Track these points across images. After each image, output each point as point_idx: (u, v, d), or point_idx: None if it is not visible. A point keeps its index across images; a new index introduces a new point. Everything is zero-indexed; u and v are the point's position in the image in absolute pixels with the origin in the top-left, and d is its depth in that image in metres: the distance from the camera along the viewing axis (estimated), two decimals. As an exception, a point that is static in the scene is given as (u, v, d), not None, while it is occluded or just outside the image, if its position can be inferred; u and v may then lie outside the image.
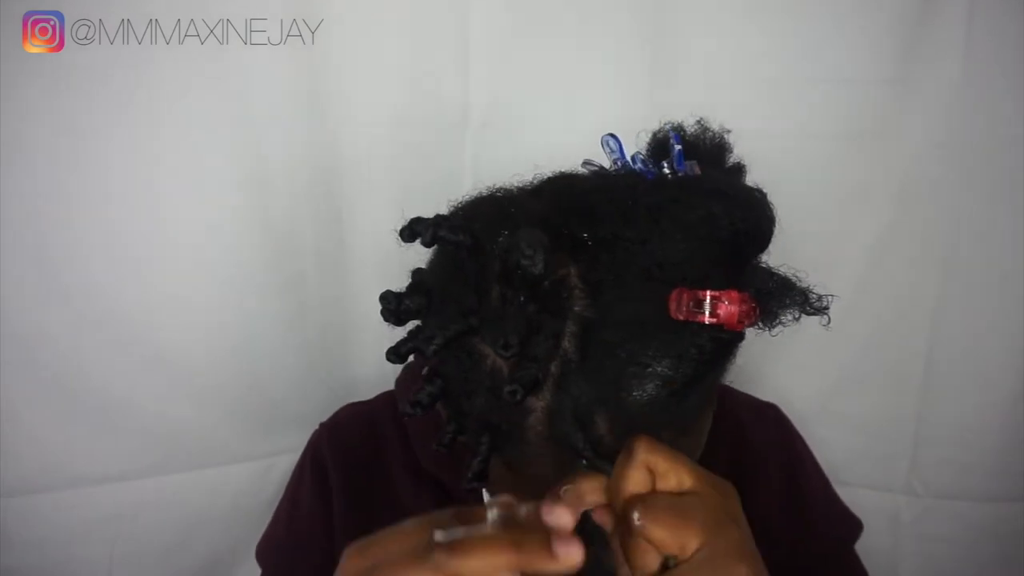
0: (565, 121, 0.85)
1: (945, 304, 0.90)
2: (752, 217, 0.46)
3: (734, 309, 0.41)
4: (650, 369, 0.42)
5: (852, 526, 0.72)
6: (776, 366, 0.94)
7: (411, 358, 0.48)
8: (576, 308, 0.43)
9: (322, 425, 0.74)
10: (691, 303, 0.41)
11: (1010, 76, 0.81)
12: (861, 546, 0.71)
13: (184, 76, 0.76)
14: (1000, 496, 0.93)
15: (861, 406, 0.95)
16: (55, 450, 0.82)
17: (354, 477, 0.68)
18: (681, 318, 0.42)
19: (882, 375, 0.93)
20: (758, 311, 0.44)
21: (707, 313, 0.41)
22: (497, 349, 0.42)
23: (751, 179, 0.81)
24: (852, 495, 0.82)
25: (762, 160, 0.85)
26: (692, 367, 0.43)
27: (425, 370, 0.49)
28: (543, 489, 0.41)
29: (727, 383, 0.74)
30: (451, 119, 0.86)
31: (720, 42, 0.84)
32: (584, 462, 0.42)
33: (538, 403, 0.43)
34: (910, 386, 0.93)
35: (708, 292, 0.41)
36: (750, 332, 0.47)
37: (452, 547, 0.35)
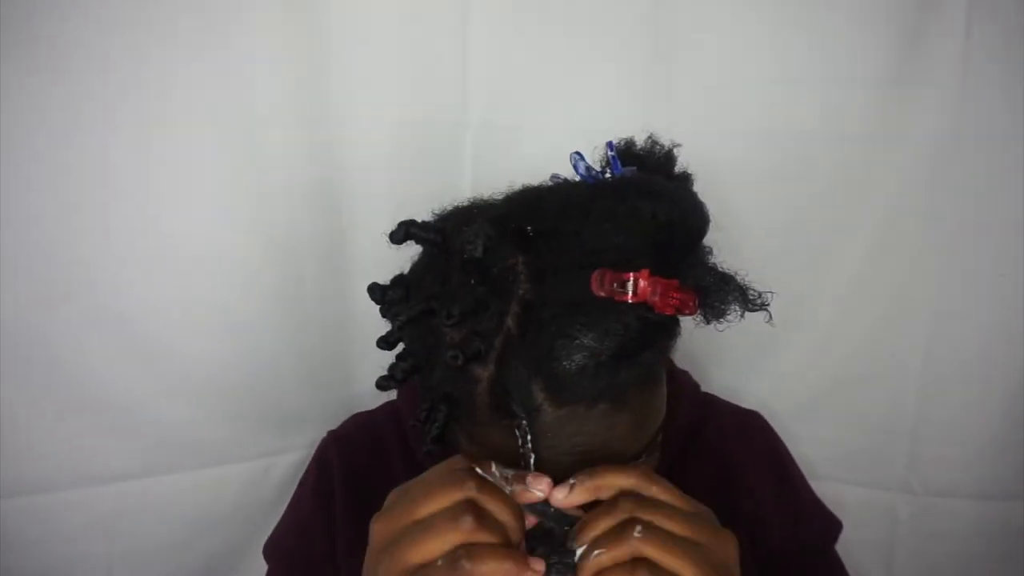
0: (564, 121, 0.86)
1: (943, 303, 0.90)
2: (677, 211, 0.51)
3: (647, 287, 0.46)
4: (577, 341, 0.46)
5: (834, 527, 0.74)
6: (775, 364, 0.94)
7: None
8: (520, 291, 0.48)
9: (330, 433, 0.76)
10: (614, 283, 0.46)
11: (1010, 76, 0.81)
12: (858, 544, 0.72)
13: (184, 76, 0.76)
14: (997, 494, 0.93)
15: (859, 404, 0.95)
16: (55, 450, 0.82)
17: (357, 482, 0.71)
18: (603, 294, 0.46)
19: (880, 373, 0.93)
20: (694, 303, 0.48)
21: (629, 293, 0.46)
22: (442, 319, 0.47)
23: (753, 179, 0.83)
24: (849, 493, 0.82)
25: (762, 160, 0.86)
26: (617, 341, 0.47)
27: (399, 349, 0.54)
28: (499, 459, 0.49)
29: (723, 389, 0.75)
30: (451, 119, 0.86)
31: (719, 43, 0.84)
32: (524, 424, 0.47)
33: (483, 374, 0.49)
34: (908, 384, 0.93)
35: (631, 274, 0.46)
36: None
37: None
